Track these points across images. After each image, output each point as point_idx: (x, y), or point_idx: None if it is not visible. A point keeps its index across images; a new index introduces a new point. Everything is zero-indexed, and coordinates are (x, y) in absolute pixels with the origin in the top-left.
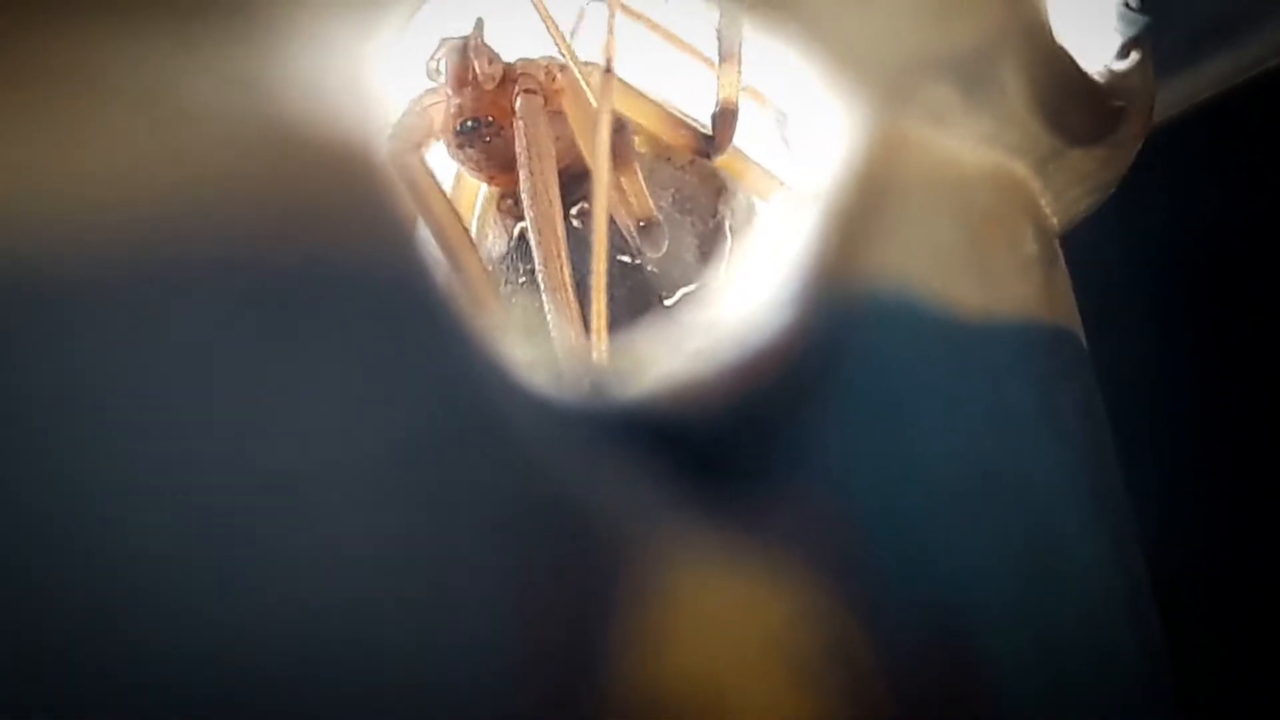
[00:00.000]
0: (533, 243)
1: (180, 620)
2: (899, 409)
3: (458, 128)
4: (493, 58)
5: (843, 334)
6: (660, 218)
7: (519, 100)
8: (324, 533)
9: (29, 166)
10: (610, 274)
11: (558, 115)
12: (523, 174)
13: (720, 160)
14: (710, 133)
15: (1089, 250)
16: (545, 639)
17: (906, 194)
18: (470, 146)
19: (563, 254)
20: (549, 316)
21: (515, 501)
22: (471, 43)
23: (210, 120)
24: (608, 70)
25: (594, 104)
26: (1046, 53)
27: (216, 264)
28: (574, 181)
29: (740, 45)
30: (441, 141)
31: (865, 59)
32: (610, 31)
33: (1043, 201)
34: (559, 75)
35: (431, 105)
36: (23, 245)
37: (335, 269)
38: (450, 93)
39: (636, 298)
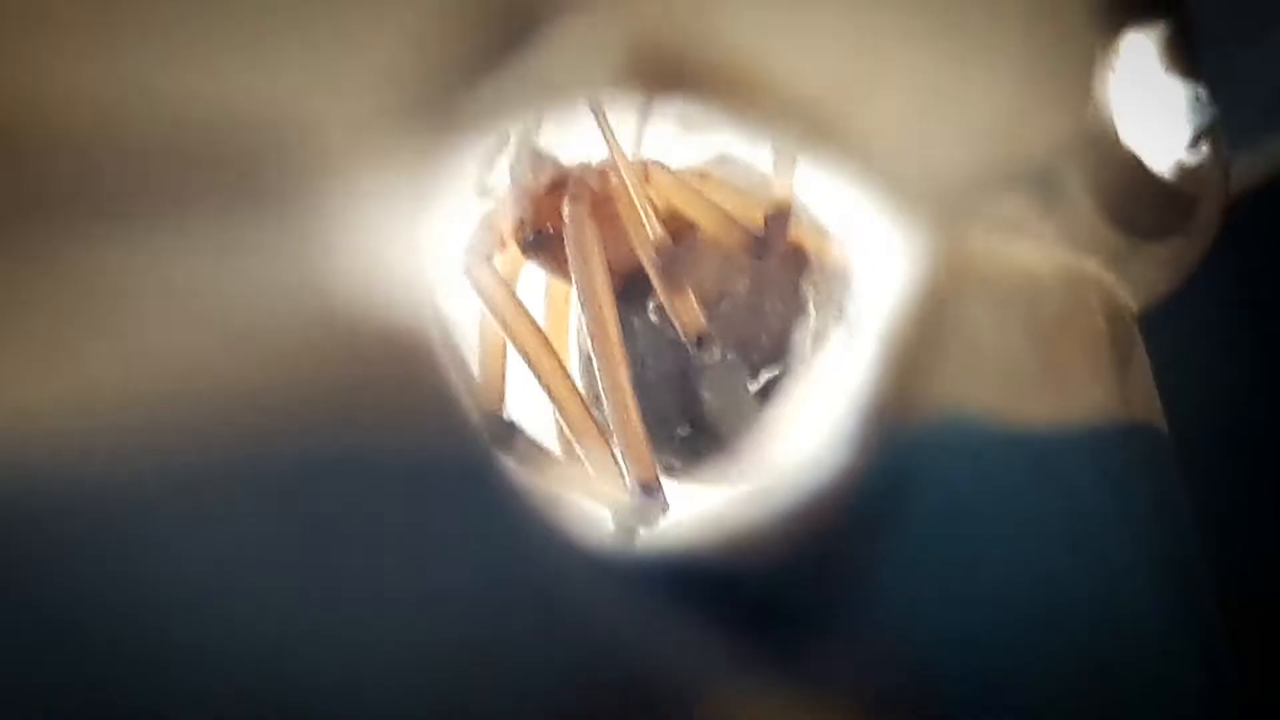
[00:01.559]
0: (591, 352)
1: None
2: (966, 537)
3: (521, 242)
4: (542, 164)
5: (904, 468)
6: (711, 331)
7: (565, 208)
8: (387, 697)
9: (79, 372)
10: (686, 372)
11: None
12: (575, 283)
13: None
14: (763, 234)
15: (1174, 332)
16: None
17: (971, 311)
18: (537, 256)
19: (621, 362)
20: (613, 448)
21: (567, 662)
22: (524, 151)
23: (262, 310)
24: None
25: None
26: (1112, 156)
27: (272, 452)
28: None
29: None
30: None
31: (925, 187)
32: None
33: (1119, 293)
34: (614, 177)
35: (500, 216)
36: (81, 452)
37: (389, 446)
38: (510, 204)
39: (720, 391)
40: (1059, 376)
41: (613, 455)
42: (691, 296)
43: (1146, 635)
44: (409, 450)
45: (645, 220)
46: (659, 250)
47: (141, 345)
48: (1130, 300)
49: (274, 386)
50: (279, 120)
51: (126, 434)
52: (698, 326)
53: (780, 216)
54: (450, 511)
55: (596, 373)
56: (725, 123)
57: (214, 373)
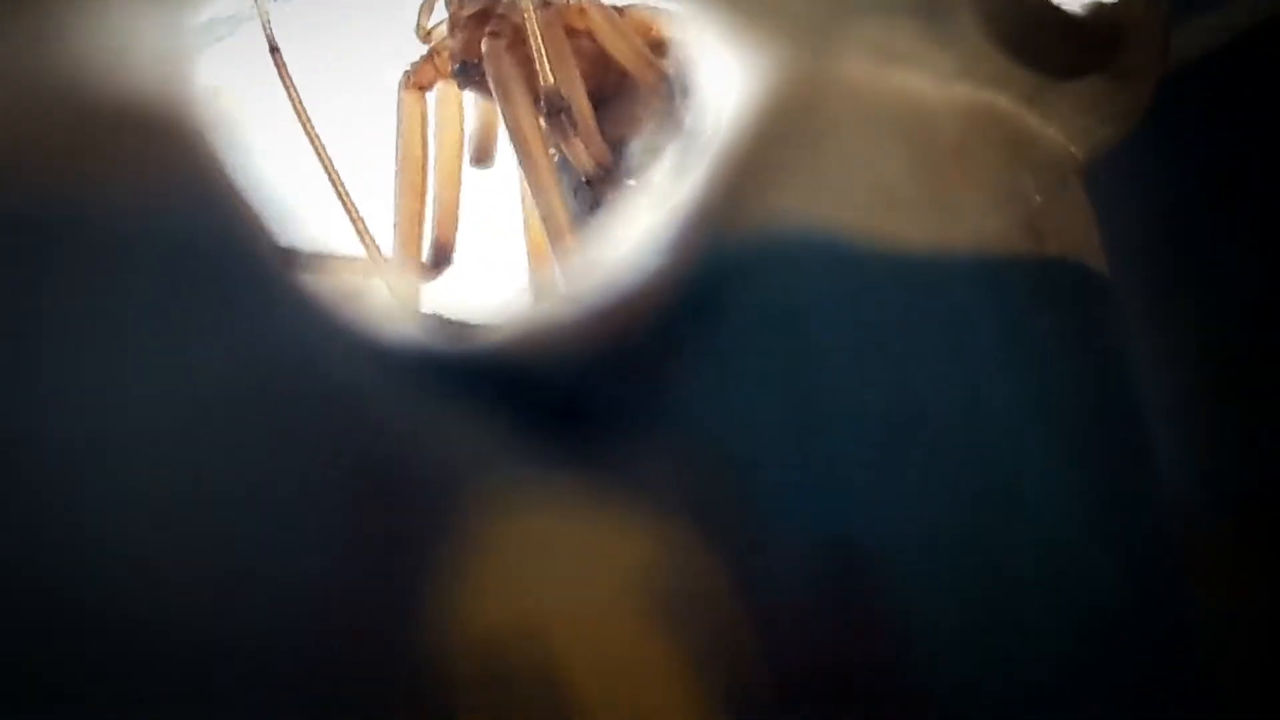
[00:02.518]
0: (522, 175)
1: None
2: (799, 347)
3: (451, 72)
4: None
5: (732, 275)
6: (611, 161)
7: (484, 43)
8: (152, 494)
9: None
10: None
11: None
12: (500, 113)
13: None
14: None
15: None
16: (378, 591)
17: (836, 132)
18: (468, 86)
19: (551, 179)
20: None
21: (347, 454)
22: None
23: (13, 87)
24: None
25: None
26: None
27: (17, 230)
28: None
29: None
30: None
31: (785, 4)
32: None
33: (1047, 133)
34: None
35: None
36: None
37: (145, 230)
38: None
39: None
40: (945, 206)
41: None
42: (575, 140)
43: (1029, 459)
44: (155, 226)
45: (539, 64)
46: (546, 96)
47: None
48: (1065, 142)
49: (15, 157)
50: None
51: None
52: (587, 170)
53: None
54: (216, 296)
55: (530, 194)
56: None
57: None
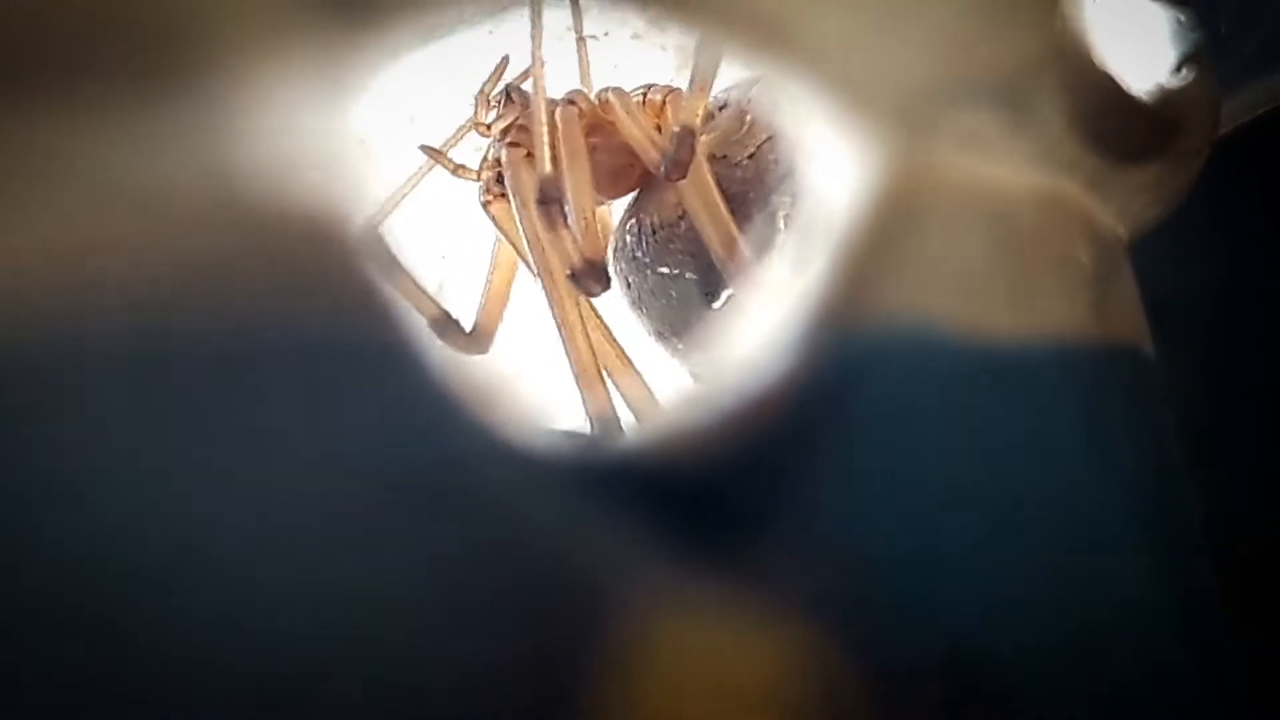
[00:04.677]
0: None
1: (168, 673)
2: (914, 445)
3: (494, 180)
4: (493, 109)
5: (851, 373)
6: (605, 260)
7: (503, 153)
8: (303, 596)
9: None
10: (653, 286)
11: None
12: (519, 219)
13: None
14: (671, 154)
15: (1163, 260)
16: (519, 693)
17: (931, 223)
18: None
19: (565, 292)
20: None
21: (493, 555)
22: (481, 94)
23: (175, 201)
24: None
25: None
26: (1087, 74)
27: (184, 345)
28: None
29: (714, 72)
30: None
31: (878, 91)
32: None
33: (1102, 216)
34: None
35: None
36: None
37: (308, 341)
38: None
39: (681, 305)
40: (1028, 293)
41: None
42: (564, 232)
43: (1113, 546)
44: (315, 332)
45: (537, 155)
46: (541, 184)
47: (38, 224)
48: (1115, 224)
49: (176, 266)
50: None
51: (21, 307)
52: (572, 262)
53: (685, 137)
54: (362, 395)
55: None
56: (678, 32)
57: (112, 252)
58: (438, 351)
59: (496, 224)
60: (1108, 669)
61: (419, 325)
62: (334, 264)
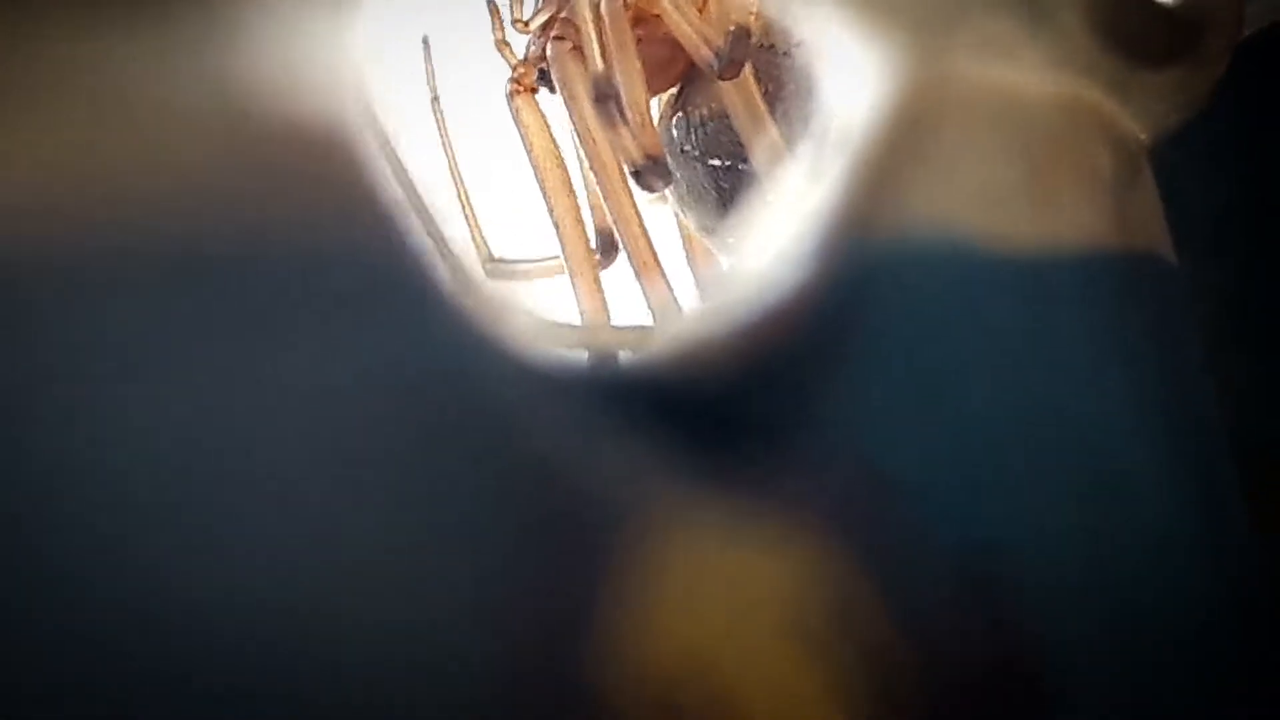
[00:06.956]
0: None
1: (161, 602)
2: (934, 356)
3: (536, 78)
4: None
5: (870, 283)
6: (664, 155)
7: (549, 47)
8: (312, 512)
9: None
10: (703, 179)
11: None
12: (569, 114)
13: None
14: (724, 52)
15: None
16: (538, 611)
17: (949, 130)
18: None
19: (621, 189)
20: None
21: (505, 472)
22: None
23: (181, 114)
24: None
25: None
26: None
27: (191, 258)
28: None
29: None
30: None
31: (897, 4)
32: None
33: (1123, 121)
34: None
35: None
36: None
37: (315, 254)
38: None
39: (733, 197)
40: (1048, 200)
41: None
42: (623, 129)
43: (1136, 455)
44: (322, 245)
45: (588, 53)
46: (595, 81)
47: (41, 137)
48: (1137, 130)
49: (180, 178)
50: None
51: (22, 219)
52: (633, 159)
53: (740, 36)
54: (371, 308)
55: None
56: None
57: (115, 163)
58: (446, 264)
59: (518, 118)
60: (1128, 579)
61: (427, 239)
62: (340, 175)
